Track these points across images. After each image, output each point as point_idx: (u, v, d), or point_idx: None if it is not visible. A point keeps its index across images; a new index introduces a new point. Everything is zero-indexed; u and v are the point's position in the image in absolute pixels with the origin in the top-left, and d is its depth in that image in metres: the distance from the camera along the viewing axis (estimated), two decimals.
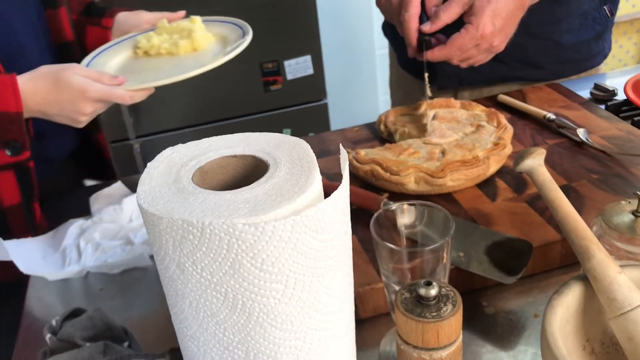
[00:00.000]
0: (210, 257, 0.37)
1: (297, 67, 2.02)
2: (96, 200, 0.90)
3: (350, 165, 0.83)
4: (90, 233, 0.83)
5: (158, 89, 0.87)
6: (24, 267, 0.78)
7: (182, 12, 1.02)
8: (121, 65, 0.97)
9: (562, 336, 0.48)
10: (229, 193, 0.39)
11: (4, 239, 0.83)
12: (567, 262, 0.69)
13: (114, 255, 0.79)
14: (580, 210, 0.55)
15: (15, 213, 0.89)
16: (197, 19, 0.99)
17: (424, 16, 0.88)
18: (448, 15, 0.85)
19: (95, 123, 1.05)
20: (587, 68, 1.12)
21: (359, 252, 0.69)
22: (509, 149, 0.83)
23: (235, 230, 0.36)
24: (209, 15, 1.05)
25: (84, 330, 0.61)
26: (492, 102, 1.03)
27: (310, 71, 2.04)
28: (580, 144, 0.88)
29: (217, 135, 0.47)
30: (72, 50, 1.00)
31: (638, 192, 0.56)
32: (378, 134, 0.98)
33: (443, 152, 0.83)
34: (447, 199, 0.78)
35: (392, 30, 1.22)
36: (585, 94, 1.05)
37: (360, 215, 0.71)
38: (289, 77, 2.02)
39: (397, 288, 0.55)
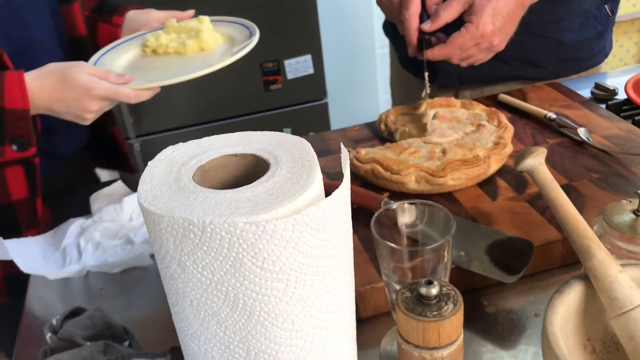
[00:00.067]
0: (211, 256, 0.37)
1: (298, 66, 2.02)
2: (96, 200, 0.90)
3: (351, 164, 0.83)
4: (91, 232, 0.83)
5: (162, 88, 0.87)
6: (24, 267, 0.78)
7: (191, 12, 1.02)
8: (129, 63, 0.97)
9: (563, 335, 0.48)
10: (230, 192, 0.39)
11: (11, 233, 0.85)
12: (567, 262, 0.69)
13: (114, 255, 0.79)
14: (581, 210, 0.55)
15: (23, 207, 0.91)
16: (206, 19, 0.99)
17: (425, 15, 0.88)
18: (448, 14, 0.85)
19: (109, 117, 1.07)
20: (588, 67, 1.12)
21: (359, 251, 0.69)
22: (509, 149, 0.83)
23: (236, 229, 0.36)
24: (211, 14, 1.04)
25: (84, 330, 0.61)
26: (493, 102, 1.03)
27: (311, 70, 2.04)
28: (581, 144, 0.88)
29: (217, 134, 0.47)
30: (85, 46, 1.01)
31: (639, 192, 0.56)
32: (378, 133, 0.98)
33: (444, 152, 0.83)
34: (447, 198, 0.78)
35: (393, 29, 1.22)
36: (586, 93, 1.05)
37: (360, 215, 0.71)
38: (289, 76, 2.02)
39: (397, 287, 0.55)
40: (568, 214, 0.54)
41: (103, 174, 1.21)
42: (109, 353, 0.58)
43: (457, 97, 1.14)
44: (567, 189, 0.72)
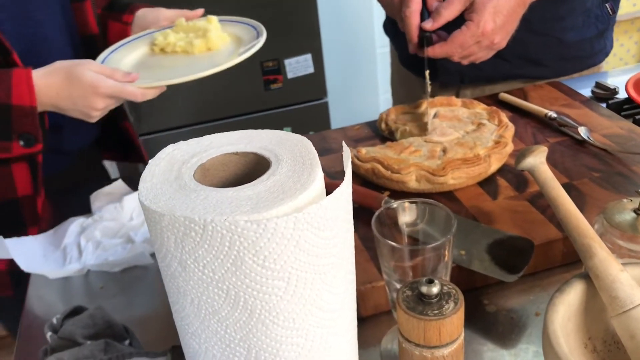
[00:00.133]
0: (212, 254, 0.37)
1: (298, 65, 2.01)
2: (97, 199, 0.90)
3: (351, 163, 0.83)
4: (91, 231, 0.83)
5: (167, 87, 0.87)
6: (24, 265, 0.78)
7: (200, 11, 1.03)
8: (137, 61, 0.98)
9: (564, 334, 0.48)
10: (231, 190, 0.39)
11: (16, 228, 0.87)
12: (568, 261, 0.69)
13: (114, 254, 0.79)
14: (581, 209, 0.55)
15: (28, 203, 0.92)
16: (214, 19, 0.99)
17: (425, 12, 0.88)
18: (449, 13, 0.85)
19: (120, 112, 1.09)
20: (589, 66, 1.12)
21: (360, 250, 0.69)
22: (510, 148, 0.83)
23: (237, 227, 0.36)
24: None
25: (84, 329, 0.61)
26: (494, 101, 1.03)
27: (311, 70, 2.03)
28: (582, 143, 0.87)
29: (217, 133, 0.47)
30: (97, 44, 1.02)
31: (639, 190, 0.56)
32: (379, 133, 0.98)
33: (444, 151, 0.83)
34: (448, 197, 0.78)
35: (393, 28, 1.22)
36: (586, 92, 1.05)
37: (361, 214, 0.71)
38: (290, 75, 2.02)
39: (398, 286, 0.55)
40: (569, 213, 0.54)
41: (112, 168, 1.22)
42: (109, 352, 0.58)
43: (457, 96, 1.14)
44: (567, 188, 0.71)
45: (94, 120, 0.87)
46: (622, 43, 2.81)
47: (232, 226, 0.36)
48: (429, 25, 0.86)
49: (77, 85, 0.81)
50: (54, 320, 0.62)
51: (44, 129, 0.85)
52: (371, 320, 0.65)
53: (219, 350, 0.42)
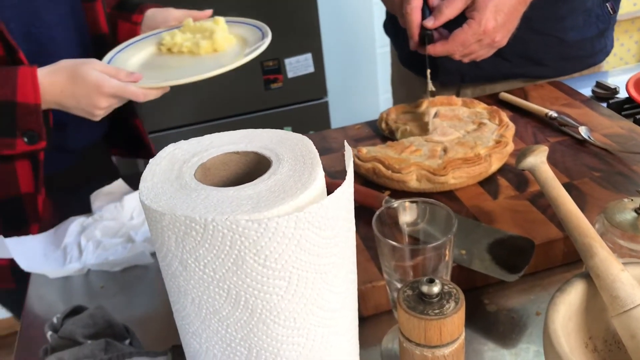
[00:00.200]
0: (213, 254, 0.37)
1: (298, 65, 2.01)
2: (97, 198, 0.90)
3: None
4: (91, 231, 0.83)
5: (171, 87, 0.87)
6: (25, 265, 0.78)
7: (209, 12, 1.03)
8: (144, 61, 0.98)
9: (565, 334, 0.48)
10: (232, 189, 0.39)
11: (19, 225, 0.88)
12: (569, 260, 0.69)
13: (115, 253, 0.79)
14: (582, 208, 0.55)
15: (30, 200, 0.93)
16: (221, 20, 0.99)
17: (426, 8, 0.88)
18: (451, 11, 0.85)
19: (131, 109, 1.10)
20: (590, 65, 1.12)
21: (360, 250, 0.69)
22: (510, 147, 0.83)
23: (238, 227, 0.36)
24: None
25: (85, 328, 0.61)
26: (494, 100, 1.03)
27: (311, 69, 2.03)
28: (582, 142, 0.87)
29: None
30: (107, 43, 1.03)
31: None
32: (379, 132, 0.97)
33: (445, 150, 0.83)
34: (448, 196, 0.78)
35: (393, 28, 1.22)
36: (587, 92, 1.05)
37: (361, 213, 0.70)
38: (290, 75, 2.02)
39: (399, 286, 0.55)
40: (570, 213, 0.54)
41: (121, 164, 1.23)
42: (109, 351, 0.58)
43: (458, 95, 1.14)
44: (568, 187, 0.72)
45: (97, 118, 0.87)
46: (622, 42, 2.81)
47: (233, 225, 0.36)
48: (430, 23, 0.86)
49: (81, 84, 0.82)
50: (55, 320, 0.62)
51: (48, 127, 0.86)
52: (372, 319, 0.65)
53: (219, 349, 0.42)
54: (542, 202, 0.74)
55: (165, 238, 0.38)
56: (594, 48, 1.10)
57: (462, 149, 0.82)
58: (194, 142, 0.46)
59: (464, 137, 0.86)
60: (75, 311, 0.64)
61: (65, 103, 0.84)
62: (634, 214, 0.56)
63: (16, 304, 1.01)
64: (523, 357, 0.59)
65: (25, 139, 0.83)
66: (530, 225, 0.70)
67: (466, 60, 0.90)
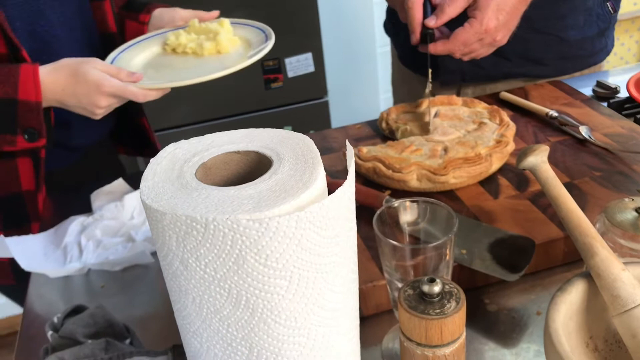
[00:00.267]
0: (214, 253, 0.37)
1: (298, 64, 2.01)
2: (97, 197, 0.90)
3: None
4: (92, 230, 0.83)
5: (172, 88, 0.87)
6: (25, 264, 0.78)
7: (216, 13, 1.03)
8: (147, 61, 0.99)
9: (565, 333, 0.48)
10: (233, 189, 0.39)
11: (20, 222, 0.88)
12: (569, 260, 0.69)
13: (115, 253, 0.79)
14: (583, 208, 0.55)
15: (31, 198, 0.94)
16: (226, 22, 0.99)
17: (428, 4, 0.87)
18: (453, 10, 0.85)
19: (137, 108, 1.11)
20: (590, 65, 1.12)
21: (361, 250, 0.69)
22: (511, 147, 0.83)
23: (239, 226, 0.36)
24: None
25: (85, 328, 0.61)
26: (495, 100, 1.03)
27: (312, 69, 2.03)
28: (583, 142, 0.87)
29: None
30: (116, 42, 1.03)
31: None
32: (380, 132, 0.97)
33: (445, 150, 0.83)
34: (449, 196, 0.78)
35: (393, 27, 1.22)
36: (587, 91, 1.05)
37: (362, 213, 0.70)
38: (290, 74, 2.02)
39: (399, 285, 0.55)
40: (570, 212, 0.54)
41: (127, 162, 1.24)
42: (110, 351, 0.58)
43: (459, 94, 1.14)
44: (569, 187, 0.72)
45: (97, 117, 0.88)
46: (622, 42, 2.80)
47: (234, 225, 0.36)
48: (432, 22, 0.86)
49: (82, 83, 0.82)
50: (55, 319, 0.62)
51: (49, 125, 0.86)
52: (372, 319, 0.65)
53: (220, 349, 0.42)
54: (543, 201, 0.74)
55: (166, 237, 0.38)
56: (595, 47, 1.10)
57: (462, 149, 0.82)
58: (194, 141, 0.46)
59: (464, 137, 0.86)
60: (76, 311, 0.64)
61: (66, 101, 0.84)
62: (635, 214, 0.56)
63: (18, 298, 1.03)
64: (524, 356, 0.59)
65: (26, 136, 0.84)
66: (531, 225, 0.70)
67: (466, 58, 0.90)
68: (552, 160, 0.82)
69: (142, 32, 1.05)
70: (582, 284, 0.51)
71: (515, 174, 0.81)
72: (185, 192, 0.39)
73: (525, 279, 0.67)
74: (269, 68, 1.97)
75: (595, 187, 0.76)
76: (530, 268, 0.67)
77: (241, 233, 0.36)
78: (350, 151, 0.41)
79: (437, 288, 0.48)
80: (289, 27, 1.95)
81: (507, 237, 0.67)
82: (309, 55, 2.01)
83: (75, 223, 0.85)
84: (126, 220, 0.84)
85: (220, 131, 0.47)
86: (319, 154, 0.42)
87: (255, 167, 0.44)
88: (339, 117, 2.21)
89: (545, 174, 0.58)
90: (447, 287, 0.49)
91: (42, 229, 0.87)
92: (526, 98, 1.01)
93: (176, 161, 0.43)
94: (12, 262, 0.93)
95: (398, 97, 1.35)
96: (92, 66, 0.83)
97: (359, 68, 2.43)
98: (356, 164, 0.83)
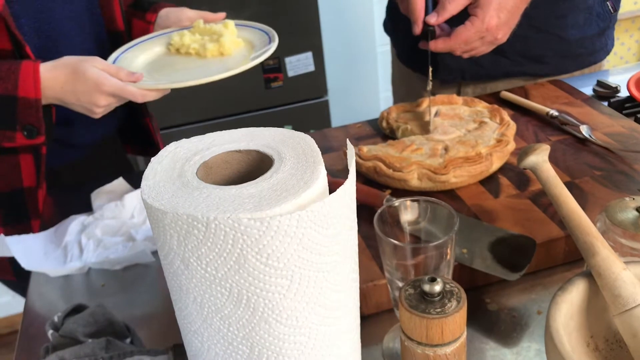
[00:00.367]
0: (215, 252, 0.37)
1: (298, 64, 2.01)
2: (97, 197, 0.90)
3: None
4: (92, 229, 0.83)
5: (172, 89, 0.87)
6: (25, 264, 0.78)
7: (222, 15, 1.03)
8: (150, 60, 0.99)
9: (566, 333, 0.48)
10: (234, 188, 0.39)
11: (21, 219, 0.89)
12: (570, 259, 0.69)
13: (115, 252, 0.79)
14: (583, 207, 0.55)
15: (32, 195, 0.94)
16: (230, 24, 0.99)
17: (429, 0, 0.87)
18: (454, 7, 0.85)
19: (140, 108, 1.11)
20: (590, 64, 1.12)
21: (362, 249, 0.69)
22: (511, 146, 0.83)
23: (240, 225, 0.36)
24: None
25: (86, 327, 0.61)
26: (495, 99, 1.03)
27: (312, 68, 2.03)
28: (583, 141, 0.87)
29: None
30: (123, 40, 1.03)
31: None
32: (380, 131, 0.97)
33: (446, 149, 0.83)
34: (449, 195, 0.78)
35: (393, 26, 1.22)
36: (588, 90, 1.05)
37: (363, 212, 0.70)
38: (290, 74, 2.02)
39: (400, 284, 0.55)
40: (571, 211, 0.54)
41: (136, 161, 1.24)
42: (110, 350, 0.58)
43: (459, 93, 1.14)
44: (569, 186, 0.72)
45: (97, 116, 0.88)
46: (623, 42, 2.80)
47: (235, 224, 0.36)
48: (433, 19, 0.86)
49: (82, 81, 0.82)
50: (55, 318, 0.62)
51: (49, 122, 0.86)
52: (373, 318, 0.65)
53: (221, 348, 0.42)
54: (543, 200, 0.74)
55: (167, 236, 0.38)
56: (595, 47, 1.10)
57: (463, 148, 0.82)
58: (195, 140, 0.46)
59: (465, 136, 0.86)
60: (76, 310, 0.64)
61: (66, 99, 0.84)
62: (636, 213, 0.56)
63: (20, 291, 1.03)
64: (524, 356, 0.59)
65: (25, 133, 0.84)
66: (532, 224, 0.70)
67: (466, 56, 0.90)
68: (553, 159, 0.82)
69: (148, 31, 1.05)
70: (583, 283, 0.51)
71: (515, 173, 0.81)
72: (186, 191, 0.39)
73: (526, 279, 0.67)
74: (269, 67, 1.97)
75: (596, 187, 0.76)
76: (531, 267, 0.67)
77: (242, 232, 0.36)
78: (350, 150, 0.41)
79: (438, 287, 0.48)
80: (289, 27, 1.94)
81: (508, 236, 0.67)
82: (309, 54, 2.01)
83: (76, 222, 0.85)
84: (126, 220, 0.84)
85: (220, 130, 0.47)
86: (320, 153, 0.42)
87: (256, 166, 0.44)
88: (339, 116, 2.21)
89: (546, 173, 0.58)
90: (448, 286, 0.49)
91: (45, 227, 0.87)
92: (527, 97, 1.01)
93: (177, 160, 0.43)
94: (11, 260, 0.93)
95: (398, 96, 1.35)
96: (92, 65, 0.83)
97: (359, 67, 2.42)
98: (357, 163, 0.83)
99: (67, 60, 0.84)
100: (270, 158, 0.42)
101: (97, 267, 0.79)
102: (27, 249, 0.81)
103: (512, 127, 0.86)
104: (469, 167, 0.78)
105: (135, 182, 0.92)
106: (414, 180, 0.79)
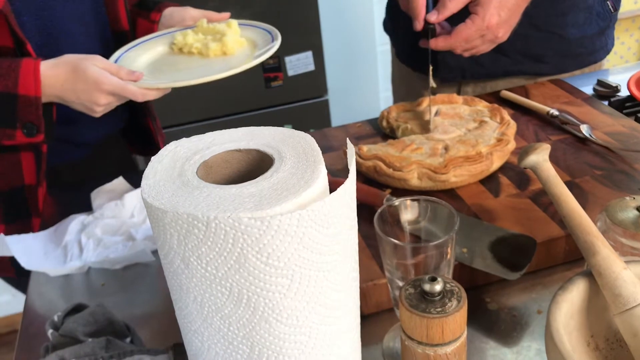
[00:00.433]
0: (216, 252, 0.37)
1: (298, 63, 2.01)
2: (97, 196, 0.90)
3: None
4: (92, 229, 0.83)
5: (172, 88, 0.87)
6: (25, 263, 0.78)
7: (226, 15, 1.03)
8: (153, 60, 0.98)
9: (567, 332, 0.48)
10: (234, 187, 0.39)
11: (22, 216, 0.89)
12: (570, 259, 0.69)
13: (115, 251, 0.79)
14: (583, 207, 0.55)
15: (32, 193, 0.94)
16: (234, 24, 0.99)
17: None
18: (455, 5, 0.85)
19: (142, 108, 1.11)
20: (590, 63, 1.12)
21: (362, 248, 0.68)
22: (512, 145, 0.83)
23: (240, 225, 0.36)
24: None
25: (86, 326, 0.61)
26: (495, 98, 1.03)
27: (312, 67, 2.03)
28: (584, 140, 0.87)
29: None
30: (128, 40, 1.03)
31: None
32: (380, 130, 0.97)
33: (446, 148, 0.83)
34: (449, 195, 0.78)
35: (393, 25, 1.22)
36: (588, 90, 1.05)
37: (363, 211, 0.70)
38: (290, 73, 2.02)
39: (400, 284, 0.55)
40: (572, 211, 0.54)
41: (141, 160, 1.25)
42: (110, 349, 0.58)
43: (459, 92, 1.14)
44: (569, 185, 0.71)
45: (97, 115, 0.88)
46: (623, 41, 2.80)
47: (235, 223, 0.36)
48: (433, 17, 0.86)
49: (82, 79, 0.82)
50: (55, 318, 0.62)
51: (49, 120, 0.86)
52: (373, 318, 0.65)
53: (221, 347, 0.42)
54: (544, 200, 0.74)
55: (168, 236, 0.38)
56: (595, 46, 1.10)
57: (463, 147, 0.82)
58: (195, 139, 0.46)
59: (465, 135, 0.86)
60: (76, 309, 0.64)
61: (66, 97, 0.84)
62: (636, 212, 0.56)
63: (21, 288, 1.03)
64: (525, 355, 0.59)
65: (24, 131, 0.84)
66: (532, 224, 0.70)
67: (467, 54, 0.90)
68: (553, 158, 0.82)
69: (152, 31, 1.05)
70: (583, 282, 0.51)
71: (516, 173, 0.81)
72: (186, 190, 0.39)
73: (526, 278, 0.67)
74: (269, 67, 1.97)
75: (596, 186, 0.76)
76: (531, 267, 0.67)
77: (242, 231, 0.36)
78: (350, 150, 0.41)
79: (438, 287, 0.47)
80: (289, 26, 1.94)
81: (508, 235, 0.67)
82: (309, 53, 2.01)
83: (76, 222, 0.84)
84: (126, 219, 0.84)
85: (220, 129, 0.47)
86: (320, 152, 0.42)
87: (256, 165, 0.44)
88: (339, 116, 2.21)
89: (546, 172, 0.58)
90: (448, 285, 0.49)
91: (47, 225, 0.87)
92: (527, 97, 1.01)
93: (177, 159, 0.43)
94: (12, 258, 0.93)
95: (397, 95, 1.35)
96: (93, 63, 0.83)
97: (359, 67, 2.42)
98: (357, 162, 0.83)
99: (68, 58, 0.84)
100: (271, 157, 0.42)
101: (97, 266, 0.79)
102: (27, 249, 0.81)
103: (513, 126, 0.86)
104: (469, 167, 0.78)
105: (135, 181, 0.92)
106: (414, 179, 0.79)
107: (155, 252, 0.79)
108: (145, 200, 0.39)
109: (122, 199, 0.86)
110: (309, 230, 0.37)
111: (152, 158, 0.43)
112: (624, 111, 0.98)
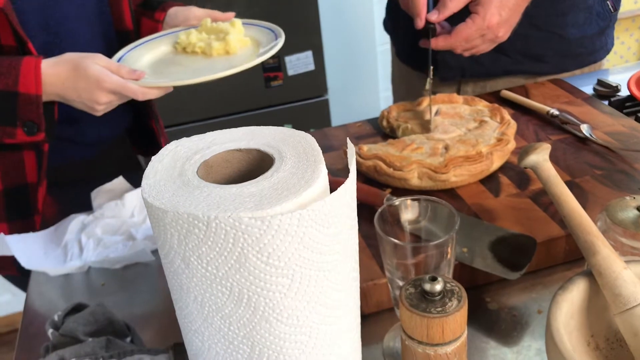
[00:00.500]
0: (216, 251, 0.37)
1: (298, 62, 2.01)
2: (97, 196, 0.90)
3: None
4: (92, 228, 0.83)
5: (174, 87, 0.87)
6: (25, 263, 0.78)
7: (231, 14, 1.03)
8: (155, 59, 0.98)
9: (567, 332, 0.48)
10: (235, 187, 0.39)
11: (23, 214, 0.89)
12: (570, 258, 0.69)
13: (115, 251, 0.79)
14: (584, 206, 0.55)
15: (34, 191, 0.94)
16: (237, 23, 0.99)
17: None
18: (455, 4, 0.85)
19: (145, 109, 1.11)
20: (590, 63, 1.12)
21: (362, 248, 0.68)
22: (512, 145, 0.83)
23: (241, 224, 0.36)
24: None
25: (86, 326, 0.61)
26: (495, 98, 1.03)
27: (312, 67, 2.03)
28: (584, 140, 0.87)
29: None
30: (131, 39, 1.03)
31: None
32: (380, 130, 0.97)
33: (446, 148, 0.83)
34: (450, 194, 0.78)
35: (393, 24, 1.22)
36: (588, 89, 1.05)
37: (363, 211, 0.70)
38: (290, 73, 2.02)
39: (401, 283, 0.55)
40: (572, 210, 0.54)
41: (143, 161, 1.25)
42: (111, 349, 0.58)
43: (459, 92, 1.14)
44: (569, 185, 0.71)
45: (98, 114, 0.88)
46: (623, 41, 2.80)
47: (235, 223, 0.36)
48: (434, 17, 0.85)
49: (83, 78, 0.82)
50: (55, 317, 0.62)
51: (50, 119, 0.86)
52: (374, 317, 0.65)
53: (222, 347, 0.42)
54: (544, 200, 0.74)
55: (168, 235, 0.38)
56: (595, 46, 1.10)
57: (463, 147, 0.82)
58: (196, 139, 0.46)
59: (465, 135, 0.86)
60: (76, 309, 0.64)
61: (67, 95, 0.84)
62: (636, 212, 0.56)
63: (23, 287, 1.02)
64: (525, 355, 0.59)
65: (25, 129, 0.84)
66: (532, 223, 0.70)
67: (467, 54, 0.90)
68: (553, 158, 0.82)
69: (156, 30, 1.05)
70: (584, 282, 0.51)
71: (516, 173, 0.81)
72: (186, 190, 0.39)
73: (526, 278, 0.67)
74: (269, 66, 1.97)
75: (596, 186, 0.76)
76: (531, 266, 0.67)
77: (243, 231, 0.36)
78: (351, 149, 0.41)
79: (438, 286, 0.47)
80: (289, 25, 1.93)
81: (508, 235, 0.67)
82: (309, 53, 2.01)
83: (76, 221, 0.84)
84: (126, 219, 0.84)
85: (220, 129, 0.47)
86: (320, 152, 0.42)
87: (257, 165, 0.44)
88: (339, 115, 2.21)
89: (546, 172, 0.58)
90: (448, 285, 0.49)
91: (48, 224, 0.87)
92: (527, 96, 1.01)
93: (178, 159, 0.43)
94: (14, 258, 0.93)
95: (398, 95, 1.35)
96: (94, 61, 0.83)
97: (359, 66, 2.42)
98: (357, 162, 0.83)
99: (69, 56, 0.84)
100: (271, 157, 0.42)
101: (97, 266, 0.79)
102: (27, 248, 0.81)
103: (513, 126, 0.86)
104: (469, 166, 0.78)
105: (135, 181, 0.92)
106: (414, 179, 0.79)
107: (155, 252, 0.79)
108: (146, 199, 0.39)
109: (122, 198, 0.86)
110: (310, 230, 0.37)
111: (153, 158, 0.43)
112: (624, 111, 0.98)
